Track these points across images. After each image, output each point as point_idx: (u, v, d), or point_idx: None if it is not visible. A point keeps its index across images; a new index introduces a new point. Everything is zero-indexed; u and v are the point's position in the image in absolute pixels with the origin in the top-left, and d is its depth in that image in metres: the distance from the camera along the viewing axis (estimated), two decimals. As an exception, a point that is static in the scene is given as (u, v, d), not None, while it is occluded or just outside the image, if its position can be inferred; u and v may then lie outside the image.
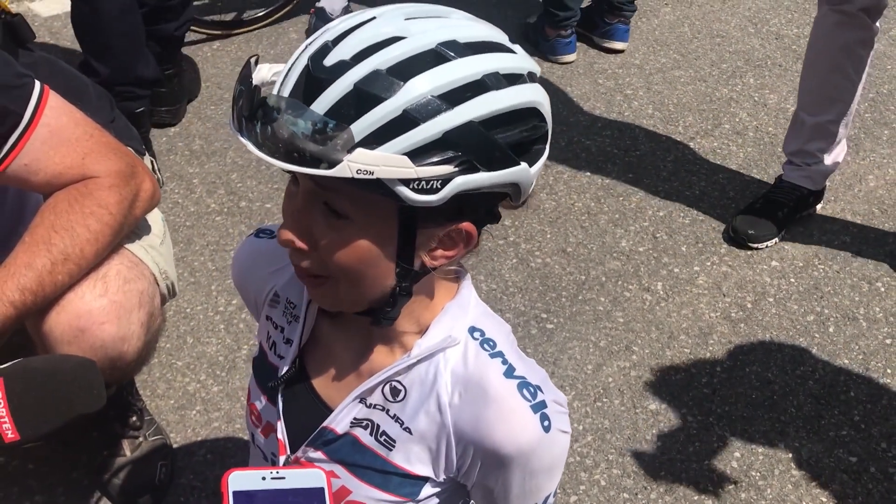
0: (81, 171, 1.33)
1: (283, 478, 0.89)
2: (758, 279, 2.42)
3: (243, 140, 0.87)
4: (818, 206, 2.63)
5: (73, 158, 1.32)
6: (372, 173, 0.83)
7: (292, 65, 0.88)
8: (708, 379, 2.13)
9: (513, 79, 0.89)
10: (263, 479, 0.88)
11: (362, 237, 0.90)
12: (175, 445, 1.92)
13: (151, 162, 1.76)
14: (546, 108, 0.93)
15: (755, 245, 2.48)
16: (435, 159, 0.85)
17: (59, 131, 1.32)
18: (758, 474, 1.93)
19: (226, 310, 2.25)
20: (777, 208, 2.52)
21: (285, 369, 1.07)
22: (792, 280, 2.42)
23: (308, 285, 0.99)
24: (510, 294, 2.33)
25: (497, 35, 0.93)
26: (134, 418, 1.82)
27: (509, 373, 0.99)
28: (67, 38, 3.31)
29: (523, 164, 0.91)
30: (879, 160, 2.88)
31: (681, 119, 3.04)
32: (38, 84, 1.32)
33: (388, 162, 0.83)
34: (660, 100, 3.13)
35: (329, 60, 0.85)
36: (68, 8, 3.48)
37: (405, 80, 0.84)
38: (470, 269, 1.01)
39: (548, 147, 0.95)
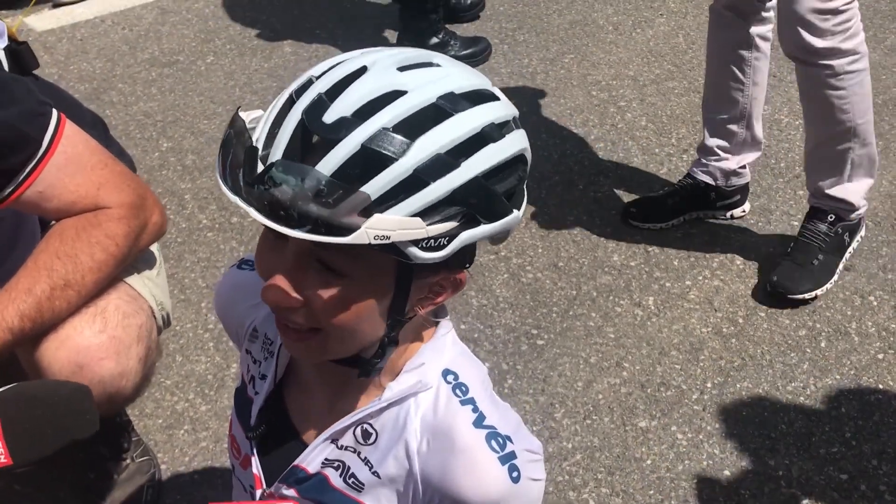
0: (95, 200, 1.33)
1: None
2: (750, 294, 2.41)
3: (243, 205, 0.83)
4: (739, 211, 2.63)
5: (87, 188, 1.33)
6: (388, 238, 0.82)
7: (281, 117, 0.85)
8: (698, 395, 2.12)
9: (505, 128, 0.90)
10: None
11: (359, 294, 0.89)
12: (162, 465, 1.92)
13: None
14: (529, 153, 0.94)
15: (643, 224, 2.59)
16: (442, 216, 0.84)
17: (74, 159, 1.33)
18: (747, 492, 1.92)
19: (215, 327, 2.24)
20: (670, 196, 2.61)
21: (260, 405, 1.07)
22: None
23: (291, 339, 0.95)
24: (501, 310, 2.32)
25: (483, 81, 0.93)
26: (121, 440, 1.82)
27: (479, 422, 0.97)
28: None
29: (515, 212, 0.91)
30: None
31: (674, 131, 3.03)
32: (55, 112, 1.33)
33: (403, 225, 0.82)
34: (653, 112, 3.13)
35: (329, 117, 0.83)
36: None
37: (412, 138, 0.83)
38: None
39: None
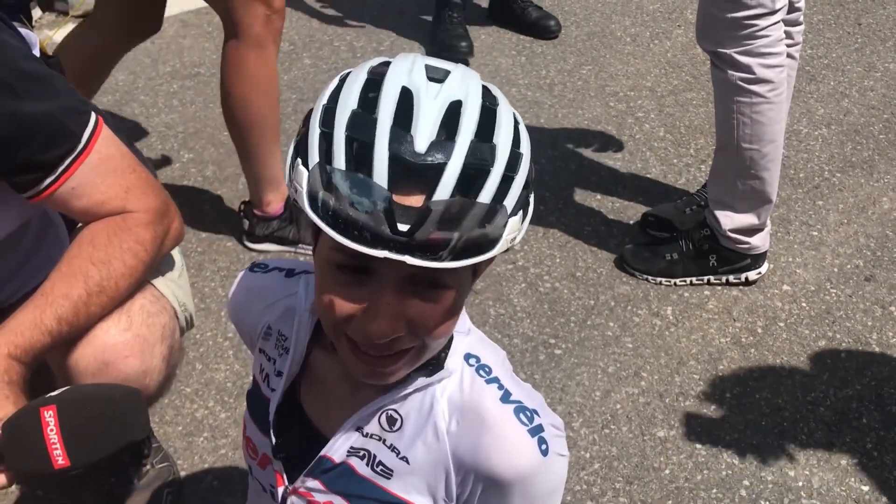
0: (123, 203, 1.36)
1: None
2: (769, 304, 2.40)
3: (402, 258, 0.82)
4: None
5: (116, 190, 1.35)
6: (516, 238, 0.89)
7: (362, 159, 0.83)
8: (717, 405, 2.12)
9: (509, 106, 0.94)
10: None
11: (457, 298, 0.91)
12: (182, 472, 1.93)
13: None
14: None
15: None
16: (523, 201, 0.90)
17: (108, 160, 1.35)
18: (767, 503, 1.90)
19: (235, 336, 2.26)
20: (688, 205, 2.63)
21: (276, 402, 1.08)
22: (804, 305, 2.40)
23: (375, 366, 0.94)
24: (518, 319, 2.32)
25: (468, 69, 0.95)
26: (142, 446, 1.83)
27: (505, 398, 0.99)
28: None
29: None
30: (894, 181, 2.86)
31: (692, 142, 3.03)
32: (94, 113, 1.36)
33: (520, 223, 0.89)
34: (671, 122, 3.13)
35: (420, 146, 0.83)
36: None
37: (492, 142, 0.87)
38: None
39: None
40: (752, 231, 2.34)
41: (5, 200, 1.40)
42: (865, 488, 1.94)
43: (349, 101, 0.86)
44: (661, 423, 2.07)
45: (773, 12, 2.10)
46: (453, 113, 0.86)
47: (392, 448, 1.02)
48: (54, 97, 1.33)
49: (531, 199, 0.93)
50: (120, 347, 1.37)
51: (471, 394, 1.00)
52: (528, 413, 0.98)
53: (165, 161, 2.87)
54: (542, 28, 3.61)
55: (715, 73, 2.23)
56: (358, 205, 0.82)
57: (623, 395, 2.13)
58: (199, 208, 2.68)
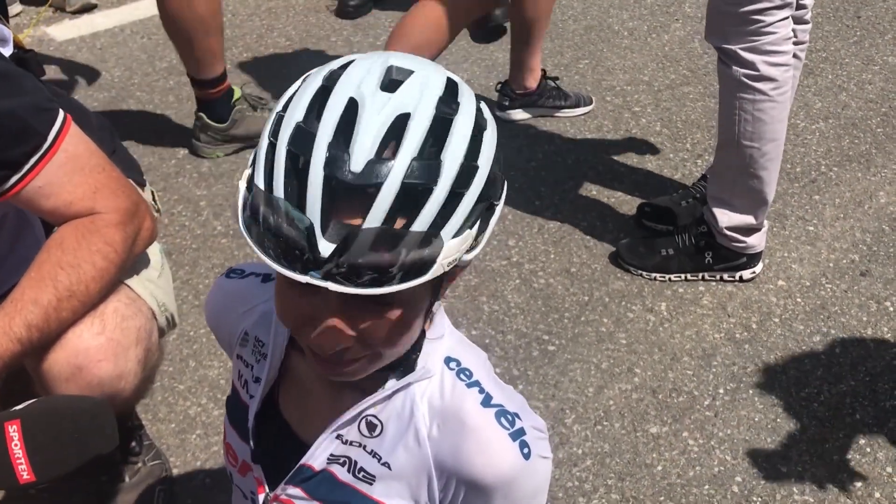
0: (91, 203, 1.35)
1: None
2: (763, 299, 2.39)
3: (325, 284, 0.80)
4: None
5: (84, 189, 1.34)
6: (458, 260, 0.85)
7: (299, 180, 0.81)
8: (710, 401, 2.11)
9: (482, 109, 0.91)
10: None
11: (410, 313, 0.90)
12: (175, 470, 1.93)
13: (152, 192, 1.78)
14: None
15: None
16: (476, 216, 0.87)
17: (75, 159, 1.34)
18: (759, 499, 1.90)
19: (229, 333, 2.26)
20: (684, 198, 2.61)
21: (255, 409, 1.07)
22: (798, 300, 2.39)
23: (330, 368, 0.94)
24: (512, 315, 2.32)
25: (438, 68, 0.91)
26: (133, 443, 1.84)
27: (486, 402, 0.99)
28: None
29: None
30: (891, 176, 2.85)
31: (689, 136, 3.02)
32: (62, 111, 1.35)
33: (464, 243, 0.86)
34: (668, 116, 3.12)
35: (356, 165, 0.80)
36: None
37: (437, 158, 0.83)
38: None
39: None
40: (749, 230, 2.33)
41: None
42: (858, 484, 1.93)
43: (296, 112, 0.84)
44: (653, 419, 2.07)
45: (781, 7, 2.09)
46: (398, 127, 0.82)
47: (373, 454, 1.02)
48: (18, 94, 1.32)
49: (496, 209, 0.90)
50: (93, 352, 1.36)
51: (451, 398, 0.99)
52: (509, 417, 0.98)
53: (161, 157, 2.87)
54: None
55: (721, 68, 2.23)
56: (282, 227, 0.80)
57: (616, 391, 2.13)
58: (194, 204, 2.68)
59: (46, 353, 1.33)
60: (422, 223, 0.82)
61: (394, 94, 0.85)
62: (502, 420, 0.97)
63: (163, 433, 2.01)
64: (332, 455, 1.04)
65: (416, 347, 0.99)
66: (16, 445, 1.03)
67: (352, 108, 0.83)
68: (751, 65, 2.14)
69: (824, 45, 3.55)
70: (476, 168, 0.86)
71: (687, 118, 3.11)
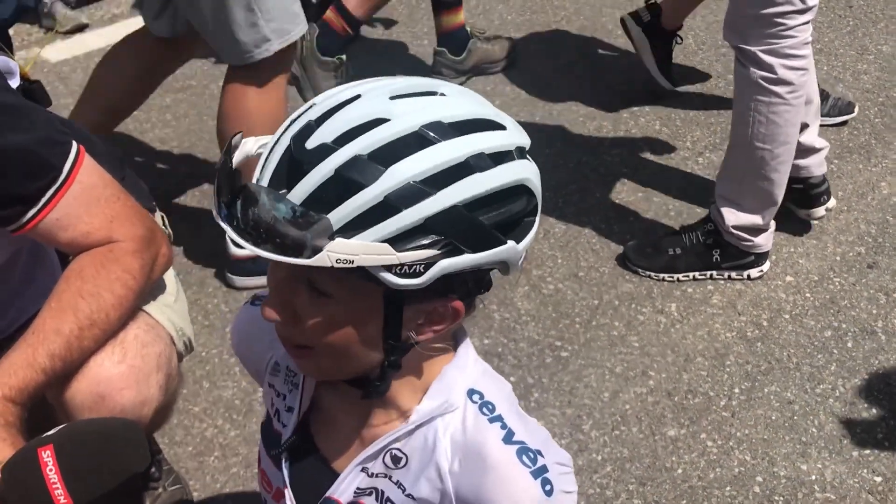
0: (108, 233, 1.34)
1: None
2: (773, 296, 2.39)
3: (222, 224, 0.87)
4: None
5: (101, 220, 1.34)
6: (352, 262, 0.84)
7: (276, 143, 0.88)
8: (726, 401, 2.11)
9: (499, 158, 0.89)
10: None
11: (346, 315, 0.91)
12: (195, 493, 1.93)
13: (162, 217, 1.77)
14: (535, 183, 0.93)
15: None
16: (417, 244, 0.85)
17: (90, 189, 1.34)
18: (781, 499, 1.91)
19: (240, 352, 2.25)
20: None
21: (287, 438, 1.07)
22: (808, 295, 2.40)
23: (292, 355, 1.00)
24: (523, 323, 2.32)
25: (486, 111, 0.92)
26: (153, 469, 1.83)
27: (508, 438, 0.98)
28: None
29: (510, 243, 0.90)
30: (892, 166, 2.86)
31: (689, 134, 3.03)
32: (74, 142, 1.35)
33: (368, 250, 0.84)
34: (667, 115, 3.12)
35: (311, 143, 0.86)
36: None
37: (387, 165, 0.84)
38: (482, 299, 1.02)
39: (538, 219, 0.94)
40: (756, 230, 2.33)
41: None
42: (878, 479, 1.94)
43: (318, 97, 0.91)
44: (670, 422, 2.07)
45: (803, 11, 2.09)
46: (367, 126, 0.85)
47: (398, 484, 1.02)
48: (31, 129, 1.32)
49: (460, 256, 0.86)
50: (115, 380, 1.36)
51: (474, 434, 0.99)
52: (531, 454, 0.97)
53: (162, 177, 2.86)
54: None
55: (737, 68, 2.22)
56: (219, 173, 0.88)
57: (632, 395, 2.13)
58: (198, 223, 2.66)
59: (68, 383, 1.33)
60: (337, 214, 0.83)
61: (393, 101, 0.87)
62: (524, 458, 0.97)
63: (180, 457, 2.00)
64: (358, 488, 1.04)
65: (381, 376, 0.97)
66: (50, 470, 1.03)
67: (349, 101, 0.88)
68: (769, 67, 2.14)
69: (818, 36, 3.55)
70: (427, 194, 0.84)
71: (686, 116, 3.12)
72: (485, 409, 1.00)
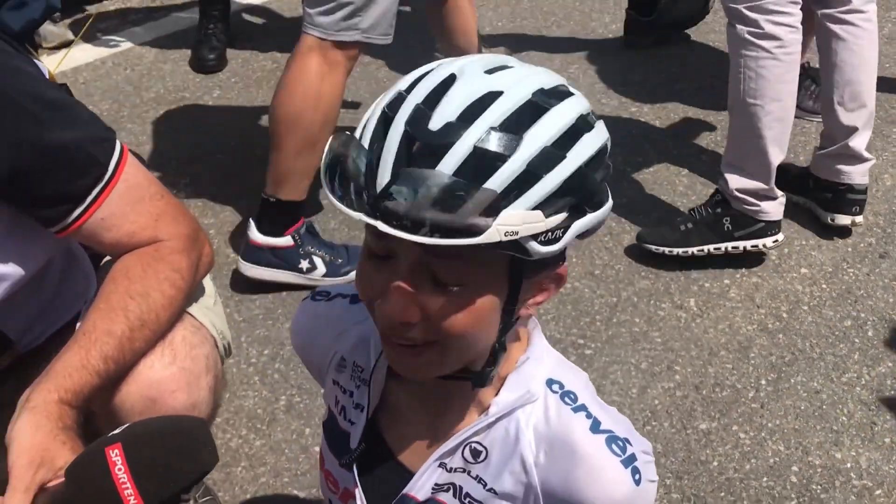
0: (153, 232, 1.30)
1: None
2: (789, 288, 2.40)
3: (370, 220, 0.82)
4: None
5: (146, 219, 1.30)
6: (517, 233, 0.82)
7: (381, 135, 0.85)
8: (755, 393, 2.11)
9: (592, 119, 0.91)
10: None
11: (476, 300, 0.88)
12: (224, 505, 1.88)
13: None
14: (609, 142, 0.95)
15: None
16: (556, 208, 0.85)
17: (136, 188, 1.30)
18: (819, 487, 1.90)
19: (258, 361, 2.21)
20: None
21: (359, 436, 1.04)
22: (824, 286, 2.40)
23: (405, 356, 0.93)
24: (544, 322, 2.29)
25: (557, 77, 0.93)
26: (182, 481, 1.77)
27: (595, 427, 0.96)
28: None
29: (610, 201, 0.92)
30: (892, 158, 2.89)
31: (689, 131, 3.04)
32: (118, 140, 1.31)
33: (527, 219, 0.83)
34: (665, 114, 3.13)
35: (434, 124, 0.83)
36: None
37: (520, 134, 0.83)
38: None
39: None
40: (760, 195, 2.35)
41: (31, 237, 1.34)
42: (913, 464, 1.94)
43: (401, 84, 0.89)
44: (701, 415, 2.06)
45: None
46: (486, 102, 0.84)
47: (478, 479, 0.99)
48: (78, 125, 1.28)
49: (587, 217, 0.87)
50: (166, 382, 1.32)
51: (558, 424, 0.96)
52: (620, 443, 0.96)
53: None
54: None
55: (728, 29, 2.31)
56: (348, 164, 0.84)
57: (659, 390, 2.11)
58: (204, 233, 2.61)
59: (118, 388, 1.28)
60: (494, 185, 0.81)
61: (491, 75, 0.87)
62: (613, 447, 0.95)
63: (206, 469, 1.95)
64: (436, 484, 1.01)
65: (492, 361, 0.96)
66: (119, 470, 0.98)
67: (449, 81, 0.86)
68: (754, 23, 2.22)
69: (806, 35, 3.60)
70: (561, 158, 0.85)
71: (684, 113, 3.13)
72: (567, 399, 0.98)
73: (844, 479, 1.91)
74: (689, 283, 2.42)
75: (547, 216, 0.84)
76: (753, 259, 2.48)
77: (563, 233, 0.86)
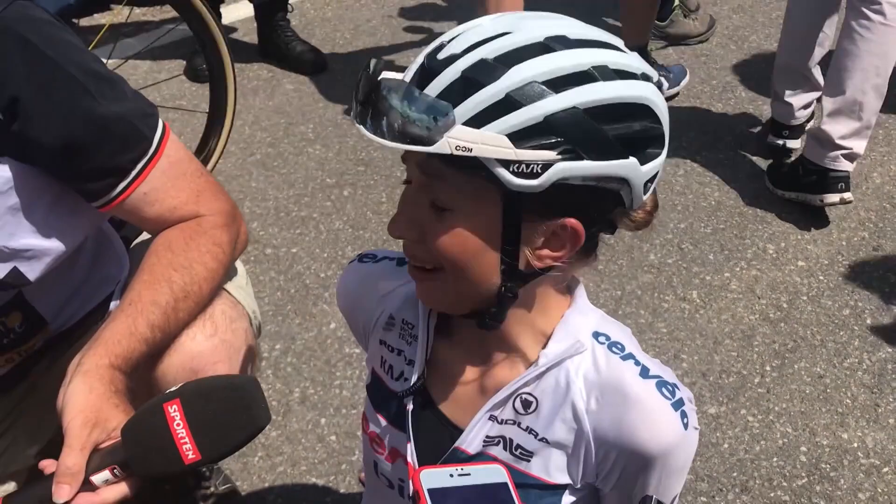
0: (195, 207, 1.32)
1: (469, 474, 0.89)
2: (788, 279, 2.45)
3: (358, 125, 0.90)
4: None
5: (187, 194, 1.32)
6: (470, 150, 0.84)
7: (414, 64, 0.91)
8: (760, 379, 2.15)
9: (623, 74, 0.89)
10: (451, 476, 0.87)
11: (467, 226, 0.91)
12: (242, 493, 1.88)
13: None
14: (661, 110, 0.92)
15: None
16: (537, 143, 0.85)
17: (178, 164, 1.31)
18: (828, 466, 1.94)
19: (270, 355, 2.22)
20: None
21: (413, 389, 1.05)
22: (821, 278, 2.46)
23: (417, 279, 0.99)
24: (551, 315, 2.33)
25: (612, 39, 0.93)
26: (203, 468, 1.78)
27: (645, 373, 0.99)
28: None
29: (632, 159, 0.90)
30: (880, 158, 2.97)
31: (683, 135, 3.10)
32: (160, 117, 1.33)
33: (486, 140, 0.85)
34: (658, 119, 3.19)
35: (442, 54, 0.89)
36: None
37: (509, 66, 0.86)
38: (604, 243, 1.03)
39: (664, 153, 0.94)
40: (841, 149, 2.52)
41: (73, 212, 1.36)
42: (917, 443, 1.99)
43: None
44: (709, 400, 2.09)
45: None
46: (493, 38, 0.88)
47: (529, 430, 1.01)
48: (124, 99, 1.30)
49: (582, 161, 0.86)
50: (208, 354, 1.33)
51: (608, 371, 0.99)
52: (669, 387, 0.98)
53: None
54: (304, 62, 3.50)
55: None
56: (358, 82, 0.91)
57: (667, 377, 2.15)
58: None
59: (160, 359, 1.29)
60: (463, 107, 0.85)
61: (520, 20, 0.90)
62: (663, 391, 0.98)
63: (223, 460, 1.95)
64: (487, 437, 1.02)
65: (498, 303, 0.96)
66: (178, 425, 0.99)
67: (477, 24, 0.91)
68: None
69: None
70: (548, 94, 0.85)
71: (678, 119, 3.17)
72: (614, 349, 1.01)
73: (852, 457, 1.96)
74: (691, 277, 2.47)
75: (520, 147, 0.85)
76: (752, 254, 2.54)
77: (543, 169, 0.85)
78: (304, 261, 2.54)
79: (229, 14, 3.80)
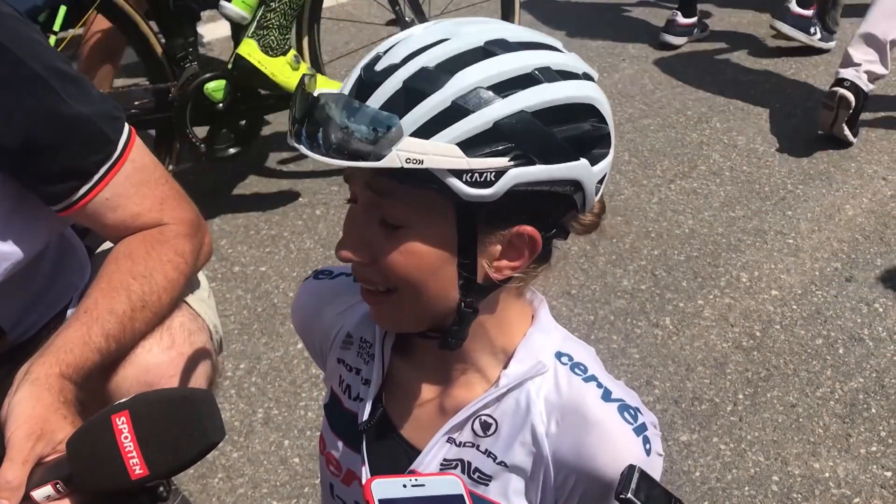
0: (158, 215, 1.28)
1: (423, 485, 0.84)
2: (761, 308, 2.44)
3: (295, 144, 0.85)
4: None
5: (151, 201, 1.28)
6: (421, 162, 0.81)
7: (350, 78, 0.88)
8: (733, 407, 2.13)
9: (566, 75, 0.87)
10: (404, 486, 0.83)
11: (420, 242, 0.87)
12: (200, 516, 1.82)
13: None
14: (605, 109, 0.90)
15: None
16: (488, 150, 0.83)
17: (142, 170, 1.27)
18: (799, 496, 1.91)
19: (234, 374, 2.17)
20: None
21: (368, 409, 1.01)
22: (794, 307, 2.45)
23: (371, 304, 0.95)
24: (522, 339, 2.30)
25: (549, 39, 0.91)
26: (161, 489, 1.72)
27: (607, 396, 0.95)
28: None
29: (583, 161, 0.87)
30: (852, 190, 2.98)
31: (658, 164, 3.10)
32: (126, 122, 1.29)
33: (437, 150, 0.81)
34: (634, 147, 3.20)
35: (380, 65, 0.85)
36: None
37: (453, 73, 0.83)
38: (557, 247, 0.99)
39: (612, 153, 0.91)
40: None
41: (33, 217, 1.31)
42: (889, 474, 1.97)
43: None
44: (681, 427, 2.07)
45: None
46: (433, 45, 0.85)
47: (488, 453, 0.97)
48: (90, 100, 1.26)
49: (534, 167, 0.83)
50: (164, 367, 1.29)
51: (570, 393, 0.95)
52: (631, 411, 0.95)
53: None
54: None
55: None
56: (295, 101, 0.87)
57: (639, 404, 2.12)
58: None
59: (114, 371, 1.24)
60: (408, 119, 0.82)
61: (456, 25, 0.88)
62: (625, 414, 0.94)
63: (181, 479, 1.89)
64: (445, 460, 0.99)
65: (458, 321, 0.92)
66: (126, 438, 0.92)
67: (416, 31, 0.88)
68: None
69: (765, 77, 3.72)
70: (494, 99, 0.82)
71: (652, 147, 3.20)
72: (577, 370, 0.97)
73: (823, 487, 1.93)
74: (664, 303, 2.45)
75: (471, 155, 0.82)
76: (725, 282, 2.53)
77: (497, 177, 0.83)
78: (272, 279, 2.50)
79: (206, 33, 3.78)
